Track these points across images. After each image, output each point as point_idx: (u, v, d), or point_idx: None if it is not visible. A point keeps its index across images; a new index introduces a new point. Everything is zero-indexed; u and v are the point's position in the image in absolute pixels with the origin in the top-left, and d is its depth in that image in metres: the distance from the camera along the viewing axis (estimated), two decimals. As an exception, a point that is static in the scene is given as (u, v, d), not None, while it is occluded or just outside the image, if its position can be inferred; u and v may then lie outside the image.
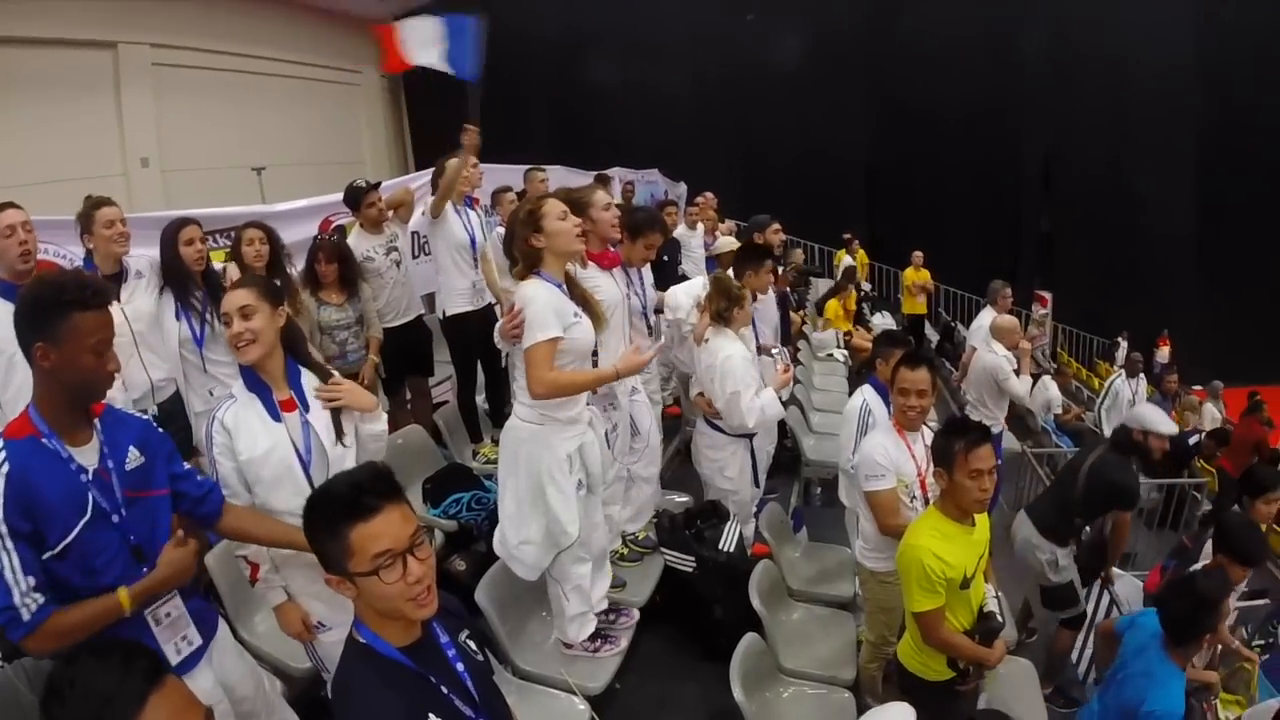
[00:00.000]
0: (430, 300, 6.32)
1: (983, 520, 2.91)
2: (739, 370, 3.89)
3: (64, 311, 1.86)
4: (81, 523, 1.91)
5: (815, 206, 13.49)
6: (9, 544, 1.80)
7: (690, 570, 3.85)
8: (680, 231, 7.15)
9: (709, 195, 8.83)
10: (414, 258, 5.65)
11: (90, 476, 1.96)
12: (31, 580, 1.83)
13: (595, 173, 9.76)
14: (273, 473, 2.39)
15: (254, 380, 2.43)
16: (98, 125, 10.54)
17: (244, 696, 2.40)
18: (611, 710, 3.31)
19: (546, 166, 9.18)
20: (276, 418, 2.42)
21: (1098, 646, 3.93)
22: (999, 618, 2.91)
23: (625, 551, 4.00)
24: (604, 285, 3.52)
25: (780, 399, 4.62)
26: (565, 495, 2.97)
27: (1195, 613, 3.01)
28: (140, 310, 3.55)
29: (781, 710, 3.35)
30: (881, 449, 3.36)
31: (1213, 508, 4.55)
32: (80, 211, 3.60)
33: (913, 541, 2.75)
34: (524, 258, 3.00)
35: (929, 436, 3.30)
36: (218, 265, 3.98)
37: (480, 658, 1.82)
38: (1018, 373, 5.89)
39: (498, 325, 2.97)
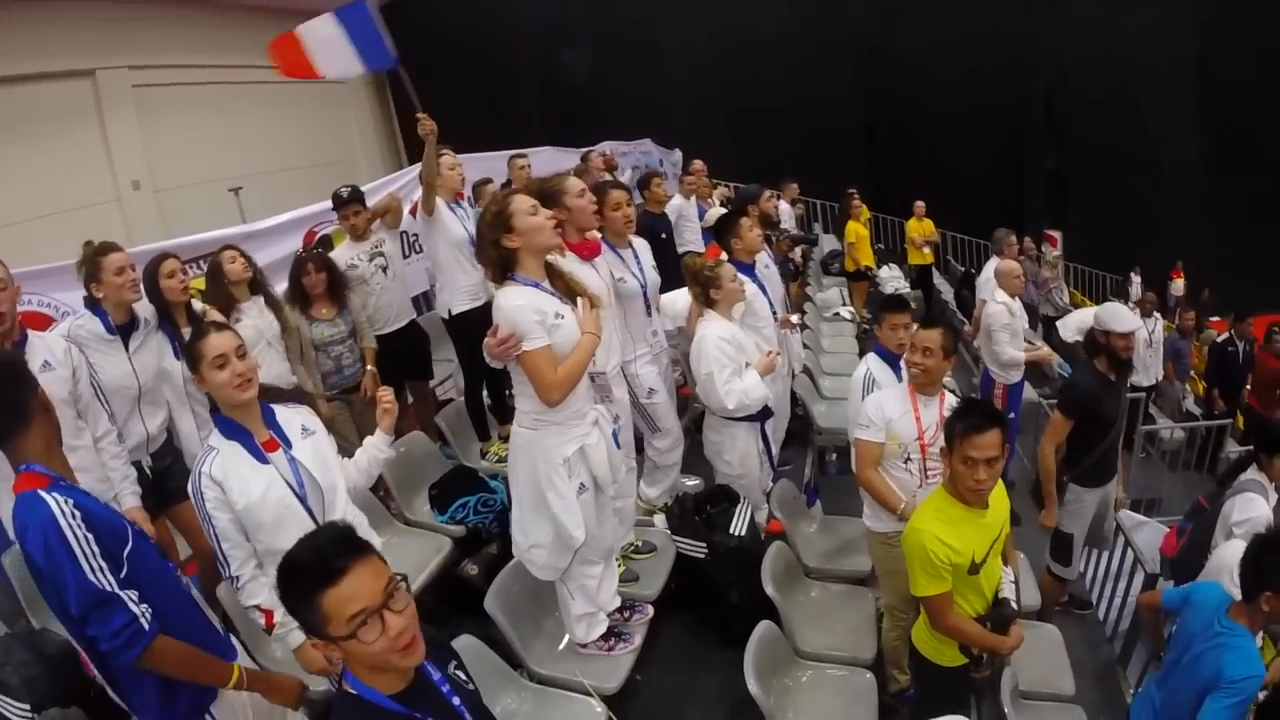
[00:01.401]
0: (422, 302, 6.28)
1: (999, 502, 2.78)
2: (711, 350, 3.77)
3: None
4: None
5: (815, 162, 13.11)
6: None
7: (702, 556, 3.79)
8: (676, 203, 6.86)
9: (698, 164, 8.65)
10: (404, 257, 5.52)
11: None
12: (134, 593, 1.99)
13: (583, 150, 9.65)
14: (273, 514, 2.38)
15: (232, 427, 2.41)
16: (85, 154, 10.52)
17: None
18: (633, 705, 3.30)
19: (537, 149, 9.12)
20: (263, 460, 2.41)
21: (1144, 620, 3.70)
22: (1014, 605, 2.82)
23: (639, 544, 3.94)
24: (587, 279, 3.33)
25: (791, 370, 4.55)
26: (565, 499, 2.90)
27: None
28: (146, 365, 3.50)
29: (801, 697, 3.28)
30: (877, 404, 3.34)
31: (1242, 455, 4.23)
32: (82, 259, 3.49)
33: (916, 525, 2.65)
34: (496, 263, 2.85)
35: (951, 402, 3.26)
36: (197, 306, 3.85)
37: (471, 687, 1.79)
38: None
39: (485, 343, 2.85)
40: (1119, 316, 4.24)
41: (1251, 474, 3.88)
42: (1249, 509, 3.70)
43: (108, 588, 1.94)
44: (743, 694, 2.93)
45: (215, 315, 3.81)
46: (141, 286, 3.49)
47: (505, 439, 5.05)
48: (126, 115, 10.98)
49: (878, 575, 3.56)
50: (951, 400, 3.35)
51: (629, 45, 15.63)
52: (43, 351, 3.00)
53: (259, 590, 2.42)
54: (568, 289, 2.93)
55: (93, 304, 3.43)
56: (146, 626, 1.99)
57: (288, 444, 2.48)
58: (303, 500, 2.44)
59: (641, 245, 4.08)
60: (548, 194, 3.45)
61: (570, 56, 15.28)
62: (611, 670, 3.21)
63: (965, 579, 2.66)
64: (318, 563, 1.47)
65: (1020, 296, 6.01)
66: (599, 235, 3.77)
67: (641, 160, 12.39)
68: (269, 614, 2.43)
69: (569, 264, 3.26)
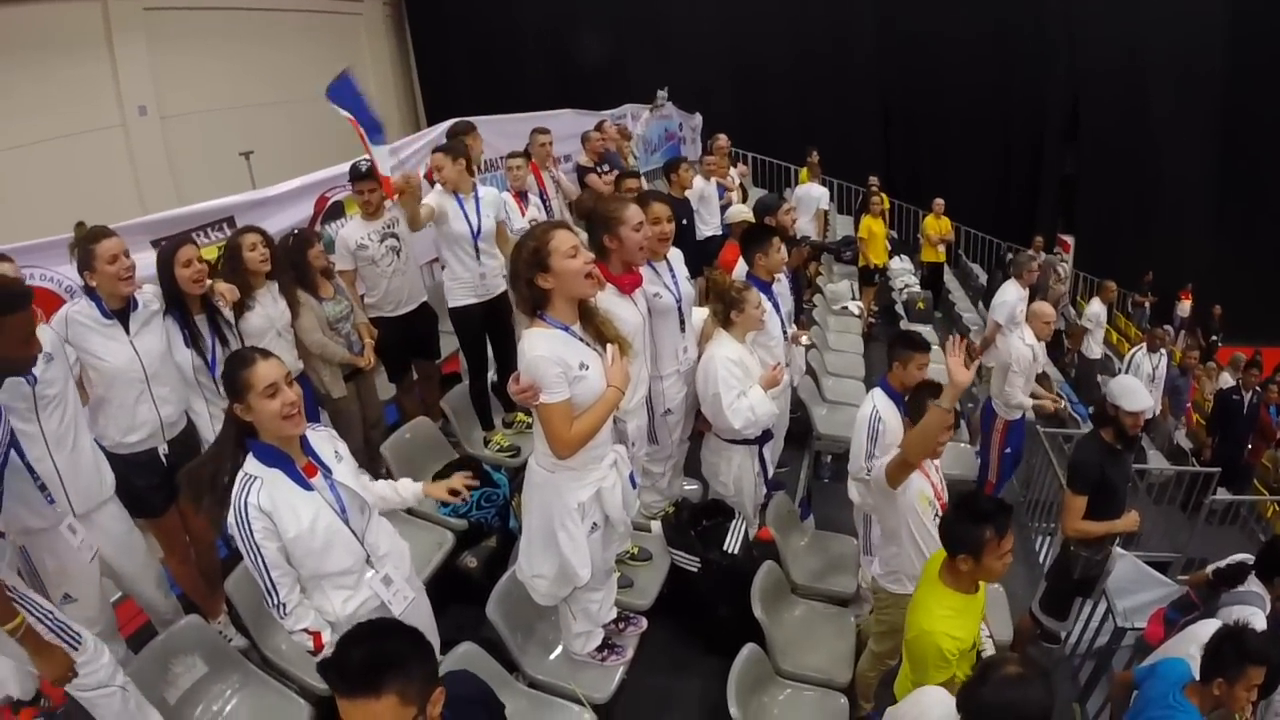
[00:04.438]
0: (430, 271, 6.22)
1: None
2: (720, 371, 3.76)
3: None
4: None
5: (832, 146, 12.78)
6: None
7: (695, 570, 3.88)
8: (697, 185, 6.71)
9: (723, 140, 8.39)
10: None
11: None
12: None
13: (602, 113, 9.53)
14: (323, 541, 2.40)
15: (272, 454, 2.38)
16: (92, 78, 10.38)
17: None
18: (617, 706, 3.38)
19: (555, 112, 8.98)
20: (307, 486, 2.42)
21: (1114, 695, 3.81)
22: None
23: (635, 551, 4.01)
24: (624, 315, 3.28)
25: (790, 378, 4.56)
26: (575, 541, 2.90)
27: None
28: (150, 347, 3.37)
29: (777, 714, 3.43)
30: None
31: (1243, 561, 4.03)
32: (74, 242, 3.41)
33: (928, 628, 2.68)
34: (528, 300, 2.74)
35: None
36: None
37: None
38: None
39: (509, 387, 2.76)
40: (1131, 393, 4.23)
41: (1253, 585, 3.82)
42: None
43: None
44: (722, 701, 3.07)
45: (221, 287, 3.68)
46: (134, 274, 3.31)
47: (509, 425, 5.14)
48: (136, 40, 10.81)
49: (878, 630, 3.59)
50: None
51: (643, 15, 15.41)
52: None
53: (305, 615, 2.44)
54: (599, 333, 2.85)
55: (88, 289, 3.30)
56: None
57: (326, 468, 2.49)
58: (347, 523, 2.48)
59: (675, 256, 3.95)
60: (604, 219, 3.40)
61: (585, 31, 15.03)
62: (602, 679, 3.30)
63: (966, 659, 2.75)
64: (352, 676, 1.59)
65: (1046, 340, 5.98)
66: None
67: (661, 126, 12.23)
68: (318, 635, 2.45)
69: (605, 297, 3.18)
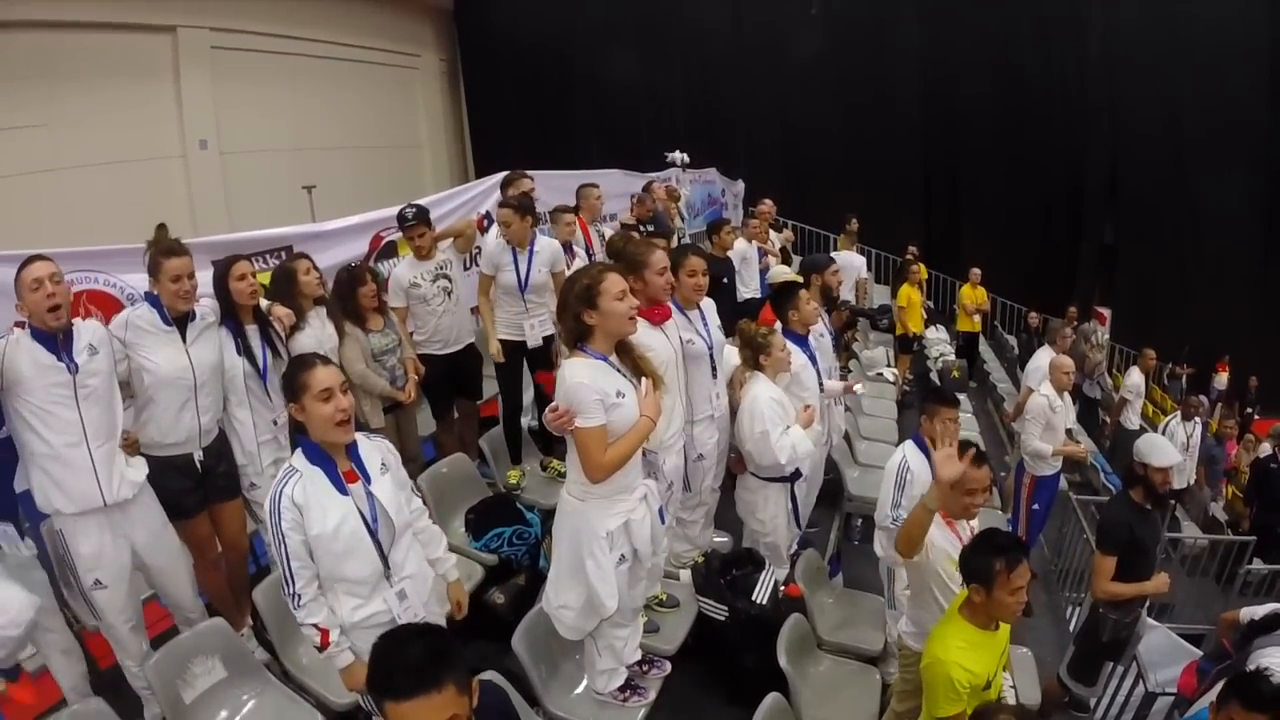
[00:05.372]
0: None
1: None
2: (766, 410, 3.91)
3: None
4: None
5: (871, 215, 12.62)
6: None
7: (723, 619, 3.88)
8: (739, 247, 6.91)
9: (767, 205, 8.62)
10: (465, 269, 5.45)
11: None
12: None
13: (649, 176, 9.72)
14: (344, 545, 2.49)
15: (318, 454, 2.52)
16: (157, 108, 10.85)
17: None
18: (638, 751, 3.36)
19: (605, 171, 9.19)
20: (343, 491, 2.52)
21: None
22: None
23: (664, 597, 4.03)
24: (656, 345, 3.42)
25: (829, 437, 4.61)
26: (603, 571, 2.95)
27: None
28: (203, 357, 3.53)
29: (799, 770, 3.38)
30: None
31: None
32: (149, 245, 3.64)
33: (941, 656, 2.72)
34: (573, 332, 2.91)
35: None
36: (263, 304, 3.92)
37: None
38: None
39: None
40: (1159, 450, 4.23)
41: None
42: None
43: None
44: (742, 750, 3.04)
45: (280, 311, 3.91)
46: (195, 294, 3.50)
47: (544, 469, 5.19)
48: (201, 74, 11.28)
49: (900, 689, 3.55)
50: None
51: (692, 71, 15.88)
52: (87, 336, 3.17)
53: (318, 610, 2.53)
54: (635, 367, 2.97)
55: (152, 296, 3.49)
56: None
57: (367, 478, 2.58)
58: (373, 534, 2.56)
59: (708, 305, 4.11)
60: (631, 261, 3.55)
61: (635, 71, 15.40)
62: (624, 720, 3.30)
63: (977, 695, 2.75)
64: (397, 677, 1.60)
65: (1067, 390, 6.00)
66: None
67: (705, 190, 12.43)
68: (325, 633, 2.53)
69: (639, 331, 3.27)
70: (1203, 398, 9.92)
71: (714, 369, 4.07)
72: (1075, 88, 14.05)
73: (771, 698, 3.24)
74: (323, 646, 2.54)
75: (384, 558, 2.60)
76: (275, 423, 3.83)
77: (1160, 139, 13.80)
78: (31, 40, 9.17)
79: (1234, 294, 13.73)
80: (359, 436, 2.66)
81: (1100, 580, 4.21)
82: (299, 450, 2.55)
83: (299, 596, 2.50)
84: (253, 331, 3.77)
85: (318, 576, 2.54)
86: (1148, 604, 4.52)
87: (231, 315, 3.70)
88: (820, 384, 4.46)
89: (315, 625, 2.53)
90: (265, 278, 4.46)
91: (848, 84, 15.22)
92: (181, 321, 3.48)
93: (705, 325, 4.03)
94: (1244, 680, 2.84)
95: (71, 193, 9.44)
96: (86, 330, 3.19)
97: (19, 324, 3.08)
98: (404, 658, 1.62)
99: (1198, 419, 8.72)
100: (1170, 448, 4.35)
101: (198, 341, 3.54)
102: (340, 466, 2.54)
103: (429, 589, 2.84)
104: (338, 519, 2.47)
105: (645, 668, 3.55)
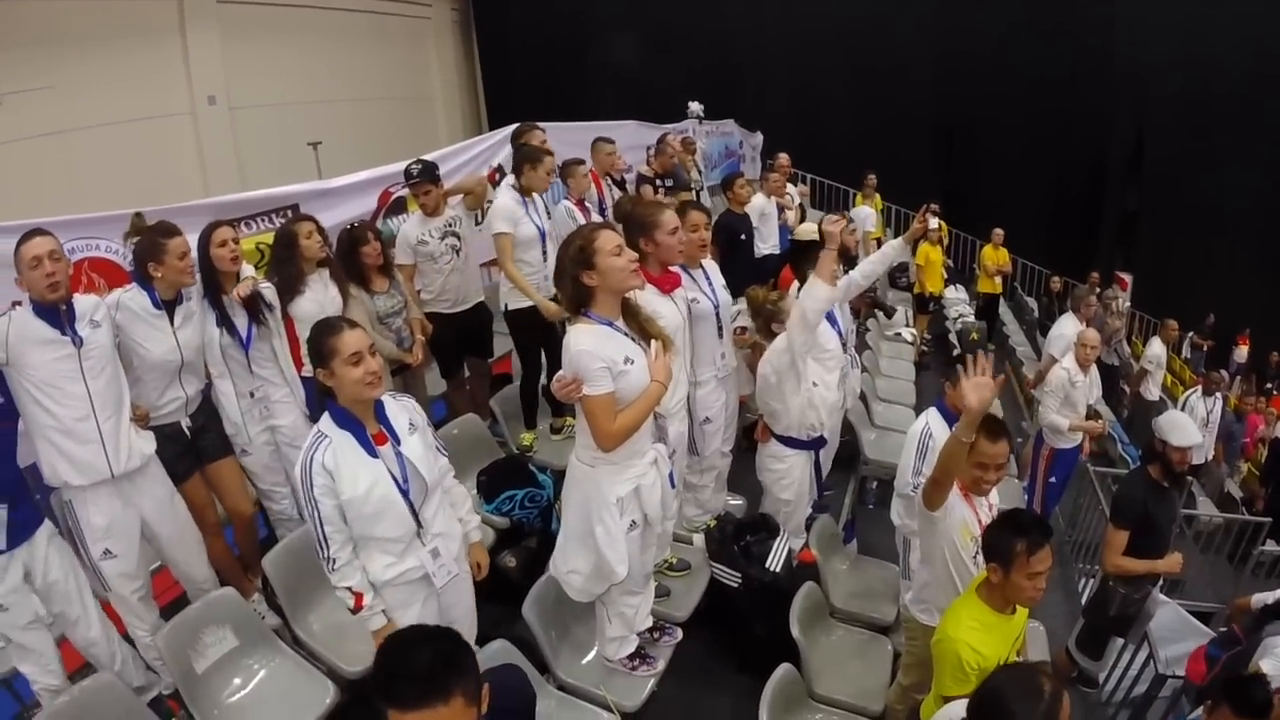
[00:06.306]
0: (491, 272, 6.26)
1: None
2: (779, 344, 3.80)
3: None
4: None
5: (891, 171, 12.24)
6: None
7: (735, 585, 3.84)
8: (758, 203, 6.70)
9: (784, 159, 8.44)
10: (476, 224, 5.26)
11: None
12: None
13: (665, 126, 9.53)
14: (375, 508, 2.49)
15: (345, 418, 2.51)
16: (164, 65, 10.63)
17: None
18: (645, 716, 3.35)
19: (620, 122, 9.00)
20: (373, 454, 2.51)
21: None
22: None
23: (674, 561, 3.99)
24: (665, 312, 3.32)
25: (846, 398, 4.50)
26: (613, 537, 2.92)
27: None
28: (190, 339, 3.53)
29: (809, 738, 3.35)
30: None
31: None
32: (131, 230, 3.60)
33: (951, 634, 2.66)
34: (572, 297, 2.82)
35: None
36: (248, 269, 3.86)
37: None
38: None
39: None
40: (1180, 429, 4.14)
41: None
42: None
43: None
44: (752, 718, 3.01)
45: (266, 289, 3.77)
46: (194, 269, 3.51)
47: (556, 431, 5.13)
48: (209, 30, 11.05)
49: (907, 661, 3.51)
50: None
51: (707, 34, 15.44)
52: (89, 310, 3.16)
53: (352, 574, 2.54)
54: (642, 330, 2.89)
55: (141, 279, 3.44)
56: None
57: (396, 439, 2.57)
58: (405, 494, 2.55)
59: (711, 266, 4.03)
60: (640, 223, 3.44)
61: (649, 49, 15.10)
62: (632, 688, 3.28)
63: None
64: (401, 684, 1.50)
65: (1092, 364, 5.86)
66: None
67: (722, 142, 12.20)
68: (359, 596, 2.55)
69: (646, 296, 3.23)
70: (1223, 373, 9.71)
71: (720, 328, 3.98)
72: (1100, 55, 13.61)
73: (784, 668, 3.21)
74: (356, 609, 2.56)
75: (416, 517, 2.60)
76: (252, 395, 3.81)
77: (1187, 108, 13.39)
78: (35, 2, 8.99)
79: (1257, 266, 13.42)
80: (386, 397, 2.64)
81: (1111, 553, 4.15)
82: (326, 415, 2.53)
83: (334, 560, 2.51)
84: (233, 301, 3.69)
85: (352, 539, 2.54)
86: (1160, 581, 4.45)
87: (212, 283, 3.66)
88: (843, 343, 4.34)
89: (350, 589, 2.54)
90: (263, 239, 4.42)
91: (863, 43, 14.82)
92: (170, 305, 3.47)
93: (710, 285, 3.94)
94: (1237, 685, 2.84)
95: (80, 154, 9.31)
96: (88, 304, 3.18)
97: (17, 303, 3.07)
98: (410, 662, 1.52)
99: (1218, 394, 8.56)
100: (1192, 427, 4.25)
101: (185, 324, 3.53)
102: (369, 429, 2.53)
103: (460, 546, 2.85)
104: (369, 483, 2.47)
105: (656, 634, 3.53)
